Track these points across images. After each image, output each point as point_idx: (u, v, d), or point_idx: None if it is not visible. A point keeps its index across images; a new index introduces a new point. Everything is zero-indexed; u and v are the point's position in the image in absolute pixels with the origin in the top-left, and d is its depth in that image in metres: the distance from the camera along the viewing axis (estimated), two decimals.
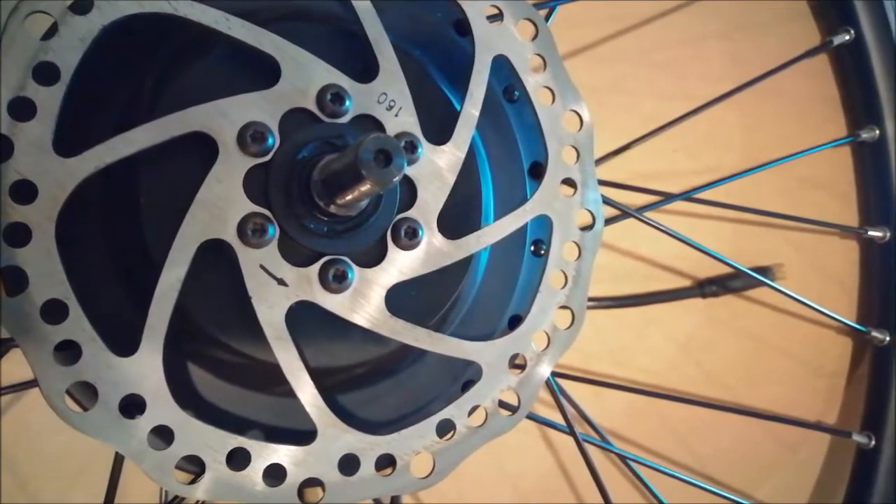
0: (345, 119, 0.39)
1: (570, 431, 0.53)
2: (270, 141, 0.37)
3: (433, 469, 0.42)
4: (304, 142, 0.38)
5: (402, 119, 0.41)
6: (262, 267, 0.37)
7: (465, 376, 0.45)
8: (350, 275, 0.39)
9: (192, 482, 0.37)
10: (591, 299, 0.47)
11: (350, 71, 0.40)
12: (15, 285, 0.34)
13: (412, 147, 0.41)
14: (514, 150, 0.48)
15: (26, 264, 0.34)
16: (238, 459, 0.38)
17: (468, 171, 0.43)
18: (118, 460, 0.43)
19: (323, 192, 0.37)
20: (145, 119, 0.35)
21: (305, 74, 0.39)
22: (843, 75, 0.79)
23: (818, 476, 0.79)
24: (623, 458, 0.63)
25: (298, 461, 0.39)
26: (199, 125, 0.36)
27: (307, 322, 0.39)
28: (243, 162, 0.37)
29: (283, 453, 0.38)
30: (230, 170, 0.37)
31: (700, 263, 0.77)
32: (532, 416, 0.51)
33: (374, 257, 0.40)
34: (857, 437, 0.72)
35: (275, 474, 0.38)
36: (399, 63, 0.41)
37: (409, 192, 0.41)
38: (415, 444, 0.41)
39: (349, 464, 0.40)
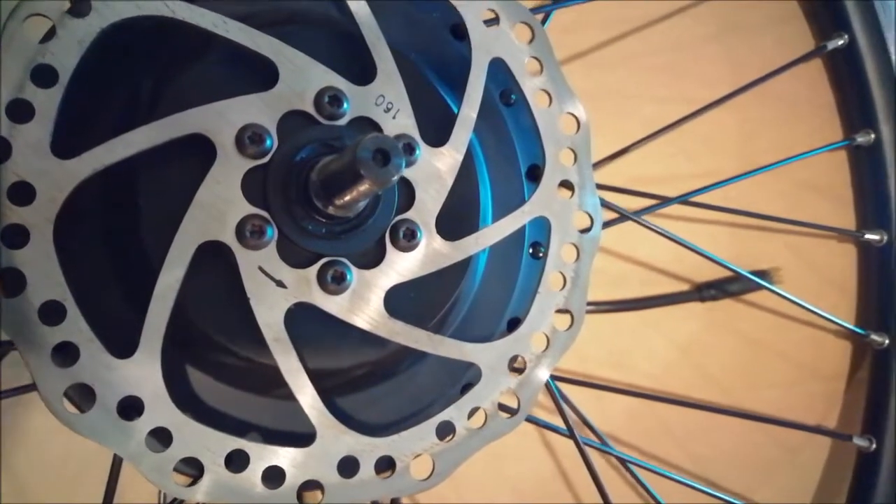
0: (342, 121, 0.40)
1: (571, 434, 0.53)
2: (268, 143, 0.37)
3: (433, 471, 0.42)
4: (303, 143, 0.38)
5: (399, 121, 0.41)
6: (260, 268, 0.37)
7: (464, 378, 0.45)
8: (349, 276, 0.39)
9: (191, 484, 0.37)
10: (589, 303, 0.47)
11: (347, 73, 0.40)
12: (13, 287, 0.34)
13: (410, 149, 0.41)
14: (512, 152, 0.48)
15: (24, 266, 0.34)
16: (237, 461, 0.37)
17: (466, 173, 0.43)
18: (116, 463, 0.43)
19: (321, 193, 0.37)
20: (143, 121, 0.35)
21: (303, 77, 0.39)
22: (838, 79, 0.79)
23: (819, 480, 0.79)
24: (623, 462, 0.63)
25: (297, 463, 0.38)
26: (197, 127, 0.36)
27: (306, 324, 0.39)
28: (241, 164, 0.37)
29: (282, 455, 0.38)
30: (228, 171, 0.37)
31: (698, 267, 0.77)
32: (532, 419, 0.51)
33: (372, 259, 0.40)
34: (858, 441, 0.72)
35: (274, 476, 0.38)
36: (396, 66, 0.41)
37: (408, 193, 0.41)
38: (414, 445, 0.41)
39: (348, 466, 0.39)
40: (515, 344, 0.44)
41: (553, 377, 0.53)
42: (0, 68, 0.34)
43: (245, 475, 0.38)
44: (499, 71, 0.46)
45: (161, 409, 0.36)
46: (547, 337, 0.45)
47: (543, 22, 0.56)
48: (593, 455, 0.56)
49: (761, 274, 0.75)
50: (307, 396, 0.38)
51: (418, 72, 0.44)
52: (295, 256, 0.38)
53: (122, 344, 0.35)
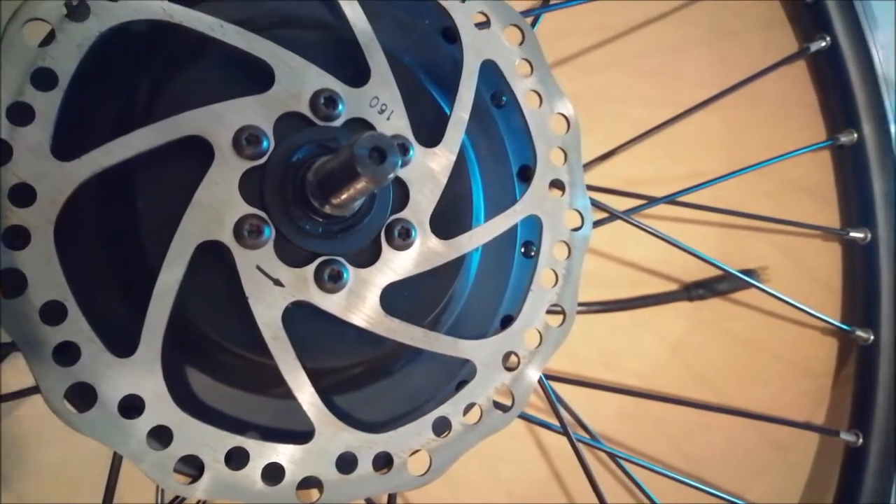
0: (338, 122, 0.40)
1: (564, 431, 0.54)
2: (265, 144, 0.38)
3: (430, 467, 0.42)
4: (299, 144, 0.39)
5: (393, 122, 0.42)
6: (258, 268, 0.38)
7: (459, 375, 0.46)
8: (345, 275, 0.39)
9: (191, 482, 0.37)
10: (580, 304, 0.48)
11: (342, 76, 0.41)
12: (14, 287, 0.34)
13: (404, 149, 0.41)
14: (503, 153, 0.49)
15: (25, 267, 0.34)
16: (237, 459, 0.38)
17: (459, 172, 0.44)
18: (116, 462, 0.44)
19: (318, 193, 0.37)
20: (142, 123, 0.36)
21: (299, 79, 0.39)
22: (821, 80, 0.81)
23: (808, 475, 0.80)
24: (614, 458, 0.64)
25: (296, 460, 0.39)
26: (194, 129, 0.37)
27: (304, 322, 0.39)
28: (239, 165, 0.38)
29: (281, 452, 0.39)
30: (226, 172, 0.37)
31: (686, 267, 0.78)
32: (526, 416, 0.52)
33: (368, 258, 0.41)
34: (845, 436, 0.73)
35: (273, 473, 0.39)
36: (390, 68, 0.42)
37: (402, 193, 0.42)
38: (411, 442, 0.42)
39: (347, 462, 0.40)
40: (509, 340, 0.45)
41: (546, 376, 0.54)
42: (0, 72, 0.34)
43: (245, 472, 0.38)
44: (490, 73, 0.46)
45: (161, 408, 0.36)
46: (540, 333, 0.46)
47: (533, 25, 0.57)
48: (587, 453, 0.57)
49: (748, 273, 0.76)
50: (305, 394, 0.39)
51: (411, 74, 0.44)
52: (292, 256, 0.39)
53: (123, 343, 0.36)
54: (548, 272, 0.46)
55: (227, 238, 0.37)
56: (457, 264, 0.44)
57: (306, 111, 0.39)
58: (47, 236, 0.35)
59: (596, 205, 0.59)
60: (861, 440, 0.73)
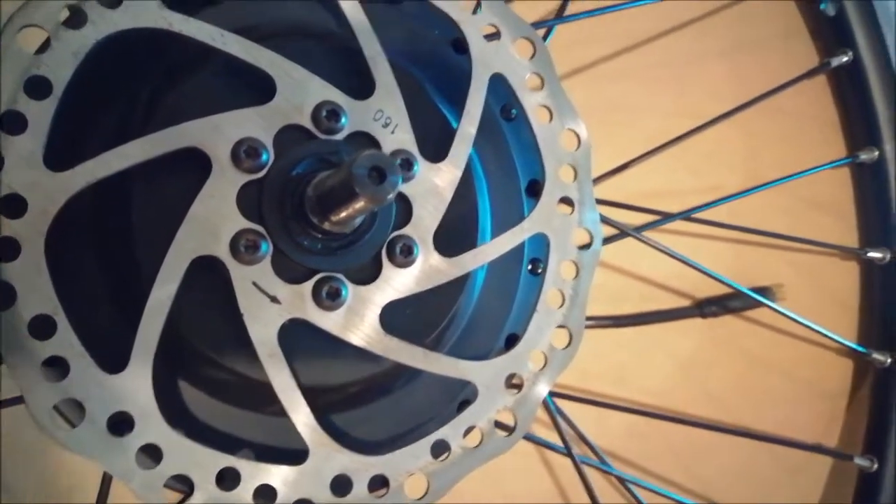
0: (340, 136, 0.39)
1: (568, 453, 0.53)
2: (264, 157, 0.37)
3: (427, 490, 0.41)
4: (299, 158, 0.38)
5: (398, 136, 0.41)
6: (254, 284, 0.37)
7: (460, 396, 0.45)
8: (344, 292, 0.38)
9: (181, 502, 0.36)
10: (589, 318, 0.46)
11: (346, 88, 0.40)
12: (3, 300, 0.33)
13: (408, 164, 0.40)
14: (512, 168, 0.48)
15: (15, 279, 0.33)
16: (228, 479, 0.37)
17: (465, 189, 0.43)
18: (106, 479, 0.43)
19: (317, 209, 0.36)
20: (138, 134, 0.35)
21: (301, 90, 0.38)
22: (842, 96, 0.79)
23: (820, 499, 0.78)
24: (622, 481, 0.62)
25: (290, 482, 0.38)
26: (192, 140, 0.36)
27: (300, 340, 0.38)
28: (237, 178, 0.37)
29: (274, 473, 0.38)
30: (223, 185, 0.36)
31: (699, 283, 0.76)
32: (529, 437, 0.51)
33: (368, 275, 0.40)
34: (860, 461, 0.71)
35: (265, 495, 0.38)
36: (395, 80, 0.41)
37: (405, 209, 0.40)
38: (409, 464, 0.41)
39: (341, 484, 0.39)
40: (512, 362, 0.44)
41: (551, 393, 0.53)
42: None
43: (236, 493, 0.37)
44: (499, 86, 0.45)
45: (151, 426, 0.35)
46: (545, 355, 0.45)
47: (545, 37, 0.56)
48: (593, 474, 0.55)
49: (763, 291, 0.74)
50: (300, 414, 0.38)
51: (418, 86, 0.43)
52: (290, 272, 0.38)
53: (113, 359, 0.35)
54: (554, 292, 0.45)
55: (223, 253, 0.36)
56: (460, 282, 0.43)
57: (308, 124, 0.38)
58: (38, 248, 0.34)
59: (606, 221, 0.58)
60: (876, 466, 0.70)
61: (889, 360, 0.73)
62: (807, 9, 0.80)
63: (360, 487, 0.39)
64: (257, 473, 0.37)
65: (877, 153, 0.75)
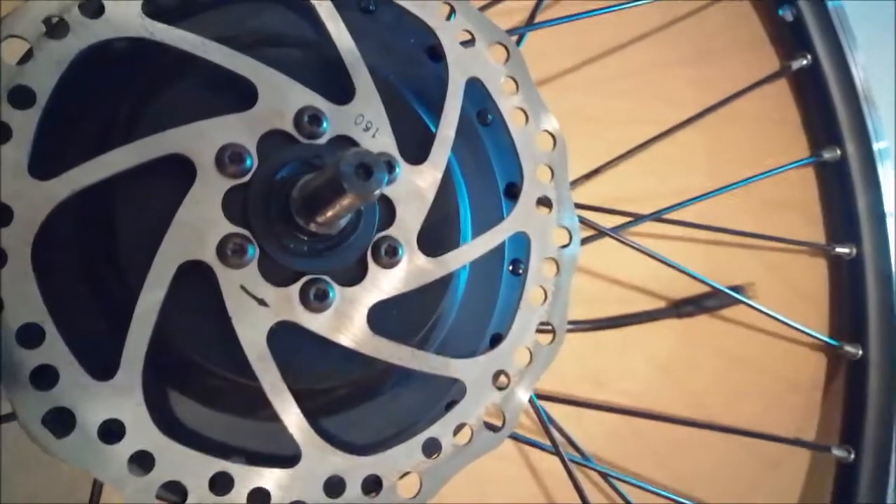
0: (322, 140, 0.40)
1: (556, 451, 0.53)
2: (248, 162, 0.37)
3: (420, 489, 0.41)
4: (283, 162, 0.38)
5: (379, 140, 0.41)
6: (242, 287, 0.37)
7: (449, 395, 0.45)
8: (331, 294, 0.39)
9: None
10: (568, 322, 0.47)
11: (327, 93, 0.40)
12: None
13: (390, 167, 0.41)
14: (490, 171, 0.48)
15: (1, 288, 0.33)
16: (221, 484, 0.37)
17: (446, 190, 0.43)
18: (97, 484, 0.42)
19: (303, 211, 0.37)
20: (122, 142, 0.35)
21: (282, 96, 0.39)
22: (803, 98, 0.82)
23: (801, 492, 0.79)
24: (606, 477, 0.63)
25: (283, 485, 0.38)
26: (176, 147, 0.36)
27: (289, 343, 0.38)
28: (222, 183, 0.37)
29: (266, 477, 0.38)
30: (209, 191, 0.37)
31: (674, 284, 0.78)
32: (517, 437, 0.51)
33: (355, 276, 0.40)
34: (837, 452, 0.73)
35: (259, 499, 0.38)
36: (375, 86, 0.42)
37: (388, 211, 0.41)
38: (401, 464, 0.41)
39: (335, 486, 0.39)
40: (499, 359, 0.44)
41: (536, 395, 0.53)
42: None
43: (229, 498, 0.37)
44: (475, 91, 0.46)
45: (142, 433, 0.35)
46: (530, 351, 0.45)
47: (518, 44, 0.57)
48: (578, 473, 0.56)
49: (735, 289, 0.76)
50: (291, 416, 0.38)
51: (397, 92, 0.44)
52: (277, 275, 0.38)
53: (103, 366, 0.35)
54: (536, 290, 0.46)
55: (210, 258, 0.37)
56: (445, 282, 0.43)
57: (290, 129, 0.39)
58: (24, 257, 0.34)
59: (583, 222, 0.59)
60: (853, 455, 0.72)
61: (861, 352, 0.75)
62: (766, 15, 0.82)
63: (353, 488, 0.40)
64: (250, 477, 0.37)
65: (839, 151, 0.77)
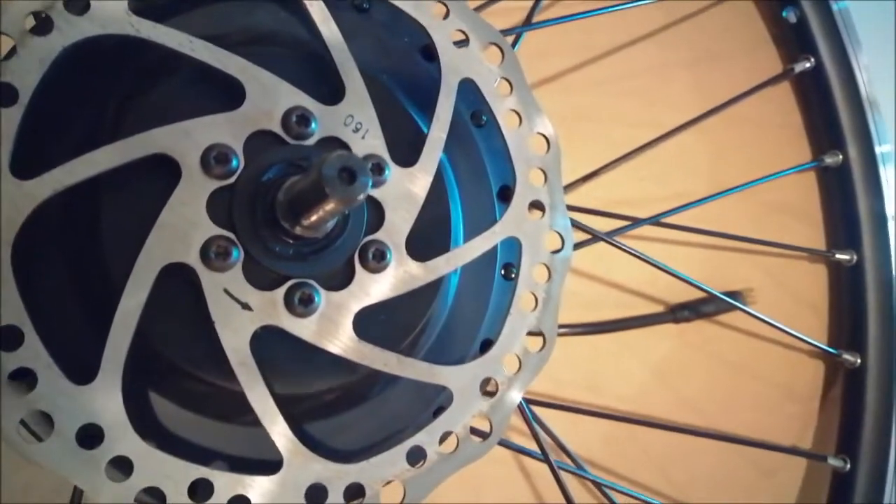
0: (311, 141, 0.39)
1: (545, 458, 0.53)
2: (234, 163, 0.37)
3: (403, 498, 0.41)
4: (269, 164, 0.38)
5: (368, 141, 0.41)
6: (225, 291, 0.37)
7: (436, 402, 0.45)
8: (317, 298, 0.38)
9: None
10: (563, 326, 0.46)
11: (316, 94, 0.40)
12: None
13: (379, 169, 0.40)
14: (483, 173, 0.48)
15: None
16: (201, 491, 0.36)
17: (437, 193, 0.43)
18: (77, 493, 0.42)
19: (288, 214, 0.36)
20: (106, 141, 0.35)
21: (270, 96, 0.38)
22: (806, 102, 0.81)
23: (796, 501, 0.78)
24: (598, 486, 0.62)
25: (264, 492, 0.37)
26: (161, 147, 0.36)
27: (273, 348, 0.38)
28: (207, 184, 0.36)
29: (248, 484, 0.37)
30: (193, 192, 0.36)
31: (671, 289, 0.77)
32: (505, 443, 0.51)
33: (341, 280, 0.39)
34: (833, 461, 0.72)
35: None
36: (365, 86, 0.41)
37: (377, 214, 0.40)
38: (385, 472, 0.40)
39: (317, 494, 0.38)
40: (487, 366, 0.43)
41: (527, 400, 0.53)
42: None
43: None
44: (469, 92, 0.46)
45: (121, 438, 0.35)
46: (519, 358, 0.45)
47: (514, 44, 0.56)
48: (570, 481, 0.55)
49: (733, 295, 0.75)
50: (274, 422, 0.37)
51: (388, 93, 0.44)
52: (261, 278, 0.37)
53: (82, 370, 0.34)
54: (527, 295, 0.45)
55: (194, 260, 0.36)
56: (434, 287, 0.43)
57: (278, 129, 0.38)
58: (4, 258, 0.33)
59: (578, 226, 0.58)
60: (849, 465, 0.71)
61: (859, 361, 0.74)
62: (769, 17, 0.81)
63: (335, 496, 0.39)
64: (231, 484, 0.37)
65: (841, 157, 0.76)
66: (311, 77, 0.41)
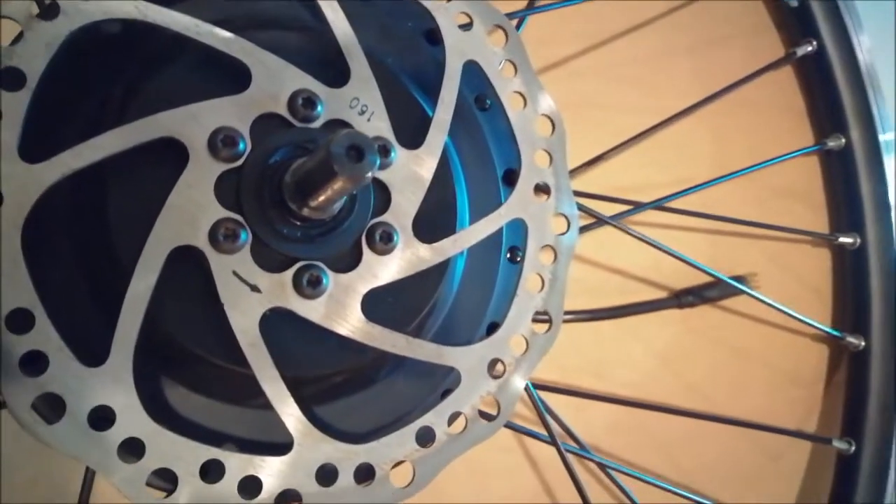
0: (317, 124, 0.39)
1: (552, 441, 0.53)
2: (241, 146, 0.37)
3: (413, 478, 0.41)
4: (276, 146, 0.38)
5: (374, 124, 0.41)
6: (234, 273, 0.37)
7: (444, 384, 0.45)
8: (325, 280, 0.38)
9: (166, 497, 0.36)
10: (568, 313, 0.47)
11: (321, 77, 0.40)
12: None
13: (385, 151, 0.40)
14: (488, 157, 0.48)
15: None
16: (212, 472, 0.36)
17: (442, 176, 0.43)
18: (88, 478, 0.42)
19: (296, 195, 0.36)
20: (114, 125, 0.35)
21: (276, 79, 0.38)
22: (808, 85, 0.81)
23: (801, 484, 0.79)
24: (604, 468, 0.63)
25: (274, 472, 0.38)
26: (168, 130, 0.36)
27: (282, 329, 0.38)
28: (214, 167, 0.37)
29: (258, 465, 0.37)
30: (201, 175, 0.36)
31: (676, 274, 0.77)
32: (513, 426, 0.51)
33: (349, 262, 0.39)
34: (838, 444, 0.72)
35: (250, 487, 0.37)
36: (371, 70, 0.41)
37: (383, 196, 0.41)
38: (394, 452, 0.40)
39: (327, 474, 0.39)
40: (494, 347, 0.44)
41: (535, 385, 0.53)
42: None
43: (221, 486, 0.37)
44: (474, 76, 0.46)
45: (133, 419, 0.35)
46: (526, 339, 0.45)
47: (517, 28, 0.56)
48: (576, 463, 0.56)
49: (737, 280, 0.75)
50: (284, 403, 0.38)
51: (393, 76, 0.44)
52: (270, 260, 0.37)
53: (93, 352, 0.34)
54: (534, 277, 0.45)
55: (202, 243, 0.36)
56: (441, 269, 0.43)
57: (284, 112, 0.38)
58: (14, 241, 0.33)
59: (583, 210, 0.58)
60: (854, 448, 0.72)
61: (863, 344, 0.74)
62: (770, 2, 0.81)
63: (345, 477, 0.39)
64: (242, 465, 0.37)
65: (843, 140, 0.76)
66: (316, 61, 0.40)
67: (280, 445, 0.38)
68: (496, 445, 0.44)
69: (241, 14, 0.41)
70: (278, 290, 0.38)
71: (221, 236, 0.36)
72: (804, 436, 0.78)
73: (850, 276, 0.78)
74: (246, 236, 0.37)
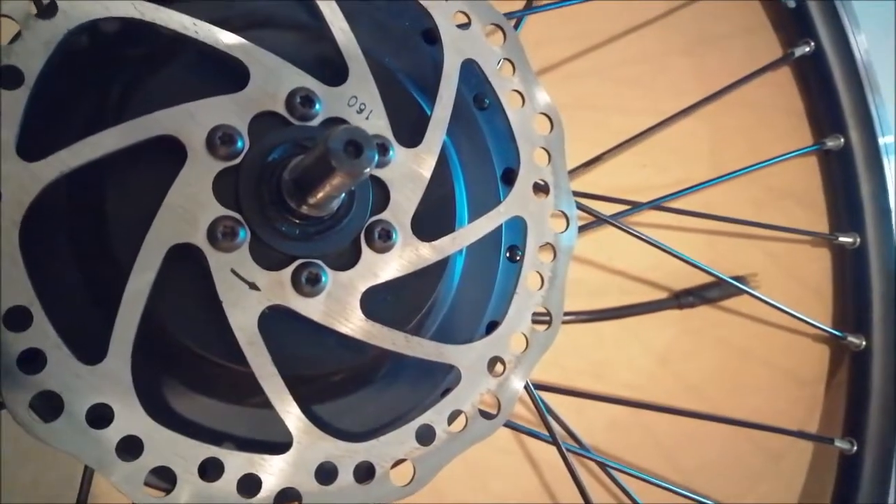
0: (315, 122, 0.39)
1: (553, 440, 0.53)
2: (240, 144, 0.37)
3: (413, 476, 0.41)
4: (274, 144, 0.38)
5: (372, 122, 0.41)
6: (233, 271, 0.37)
7: (444, 382, 0.45)
8: (323, 278, 0.38)
9: (165, 495, 0.36)
10: (568, 313, 0.47)
11: (320, 75, 0.40)
12: None
13: (384, 149, 0.40)
14: (487, 156, 0.48)
15: None
16: (211, 470, 0.36)
17: (441, 174, 0.43)
18: (86, 477, 0.42)
19: (294, 193, 0.36)
20: (112, 123, 0.35)
21: (274, 78, 0.38)
22: (806, 85, 0.81)
23: (803, 484, 0.78)
24: (604, 467, 0.62)
25: (274, 471, 0.37)
26: (166, 128, 0.36)
27: (281, 327, 0.38)
28: (213, 165, 0.37)
29: (258, 463, 0.37)
30: (199, 173, 0.36)
31: (675, 275, 0.77)
32: (514, 426, 0.51)
33: (348, 260, 0.39)
34: (840, 444, 0.72)
35: (249, 485, 0.37)
36: (369, 68, 0.41)
37: (382, 194, 0.41)
38: (394, 451, 0.40)
39: (327, 473, 0.39)
40: (494, 345, 0.44)
41: (535, 385, 0.53)
42: None
43: (220, 484, 0.36)
44: (472, 75, 0.46)
45: (131, 417, 0.35)
46: (526, 337, 0.45)
47: (516, 28, 0.56)
48: (577, 463, 0.55)
49: (738, 280, 0.75)
50: (283, 402, 0.37)
51: (391, 75, 0.44)
52: (268, 258, 0.37)
53: (91, 350, 0.34)
54: (533, 275, 0.45)
55: (201, 240, 0.36)
56: (440, 267, 0.43)
57: (282, 110, 0.38)
58: (12, 239, 0.33)
59: (583, 209, 0.58)
60: (855, 447, 0.72)
61: (864, 343, 0.74)
62: (768, 2, 0.82)
63: (345, 475, 0.39)
64: (241, 463, 0.37)
65: (842, 140, 0.76)
66: (314, 60, 0.41)
67: (279, 444, 0.38)
68: (496, 446, 0.44)
69: (239, 13, 0.41)
70: (277, 288, 0.37)
71: (220, 234, 0.36)
72: (806, 436, 0.78)
73: (850, 275, 0.78)
74: (244, 234, 0.37)
